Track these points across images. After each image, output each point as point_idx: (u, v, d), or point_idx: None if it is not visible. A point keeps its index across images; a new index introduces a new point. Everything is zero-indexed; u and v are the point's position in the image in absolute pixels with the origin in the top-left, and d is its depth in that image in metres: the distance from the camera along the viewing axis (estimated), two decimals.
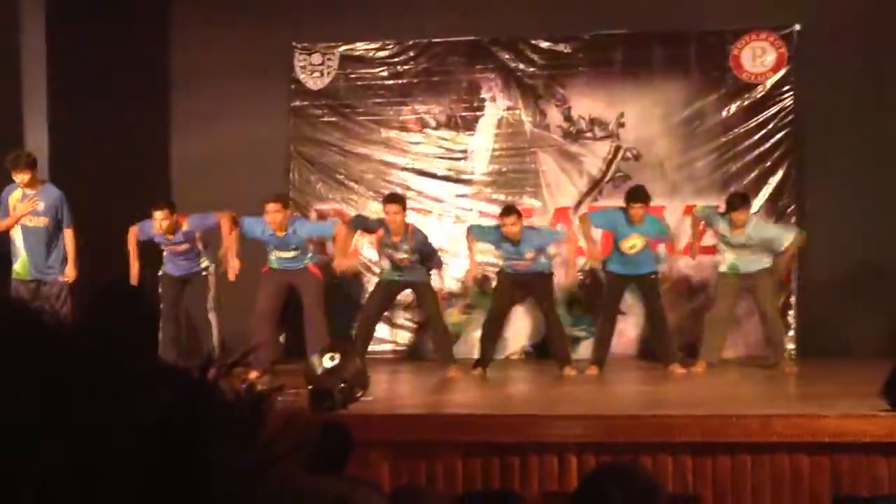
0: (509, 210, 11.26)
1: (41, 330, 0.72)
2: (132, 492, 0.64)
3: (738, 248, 11.03)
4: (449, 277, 12.44)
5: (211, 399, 0.73)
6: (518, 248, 11.07)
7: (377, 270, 12.16)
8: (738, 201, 11.16)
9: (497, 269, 11.52)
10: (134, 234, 11.06)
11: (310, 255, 11.17)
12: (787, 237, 11.09)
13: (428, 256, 11.24)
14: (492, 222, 11.76)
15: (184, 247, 11.13)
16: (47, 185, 10.83)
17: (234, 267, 10.73)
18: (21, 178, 10.60)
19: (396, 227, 11.04)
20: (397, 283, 11.23)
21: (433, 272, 11.32)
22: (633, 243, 11.11)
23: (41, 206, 10.71)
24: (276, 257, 11.05)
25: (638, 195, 11.17)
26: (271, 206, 10.90)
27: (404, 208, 11.19)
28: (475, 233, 11.44)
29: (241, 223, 10.96)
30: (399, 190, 12.30)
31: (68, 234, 10.80)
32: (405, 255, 11.07)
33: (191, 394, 0.72)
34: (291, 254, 11.04)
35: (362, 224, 11.45)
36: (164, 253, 11.21)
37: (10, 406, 0.65)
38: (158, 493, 0.65)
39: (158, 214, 10.94)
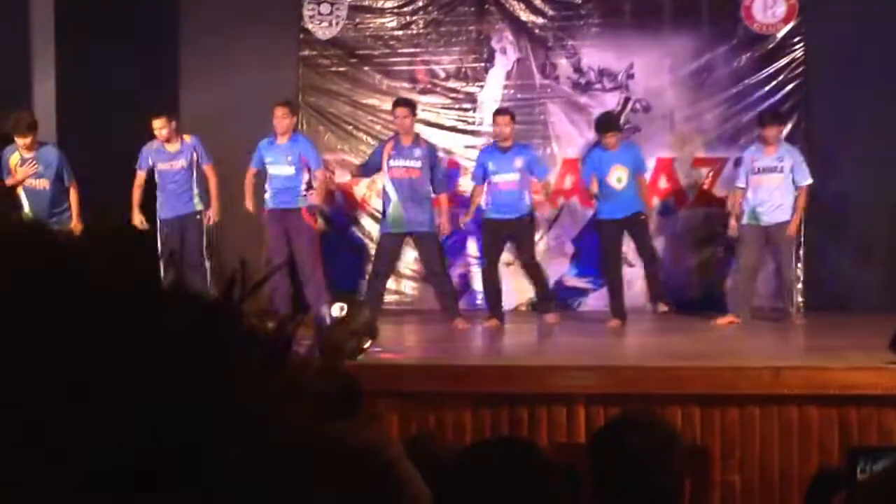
0: (503, 111, 11.57)
1: (57, 246, 0.71)
2: (148, 409, 0.62)
3: (764, 179, 10.95)
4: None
5: (234, 323, 0.71)
6: (507, 155, 11.18)
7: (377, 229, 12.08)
8: (771, 117, 11.23)
9: (483, 218, 11.45)
10: (140, 180, 11.11)
11: (303, 189, 11.08)
12: (807, 174, 11.08)
13: (435, 168, 11.29)
14: None
15: (181, 163, 11.19)
16: (45, 147, 10.84)
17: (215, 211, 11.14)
18: (21, 141, 10.63)
19: (406, 130, 11.20)
20: (397, 235, 11.20)
21: (440, 195, 11.33)
22: (619, 175, 11.14)
23: (40, 168, 10.76)
24: (272, 177, 11.05)
25: (608, 125, 11.39)
26: (279, 111, 11.04)
27: (414, 113, 11.37)
28: (474, 179, 11.48)
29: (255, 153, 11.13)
30: None
31: (73, 191, 10.86)
32: (417, 164, 11.10)
33: (213, 314, 0.71)
34: (288, 169, 11.03)
35: (367, 168, 11.52)
36: (159, 196, 11.24)
37: (25, 318, 0.64)
38: (175, 414, 0.63)
39: (157, 123, 11.08)
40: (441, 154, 12.10)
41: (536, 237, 12.51)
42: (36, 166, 10.74)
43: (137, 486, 0.61)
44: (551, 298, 11.59)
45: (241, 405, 0.65)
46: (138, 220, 11.05)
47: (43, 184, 10.81)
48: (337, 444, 0.71)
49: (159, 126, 11.09)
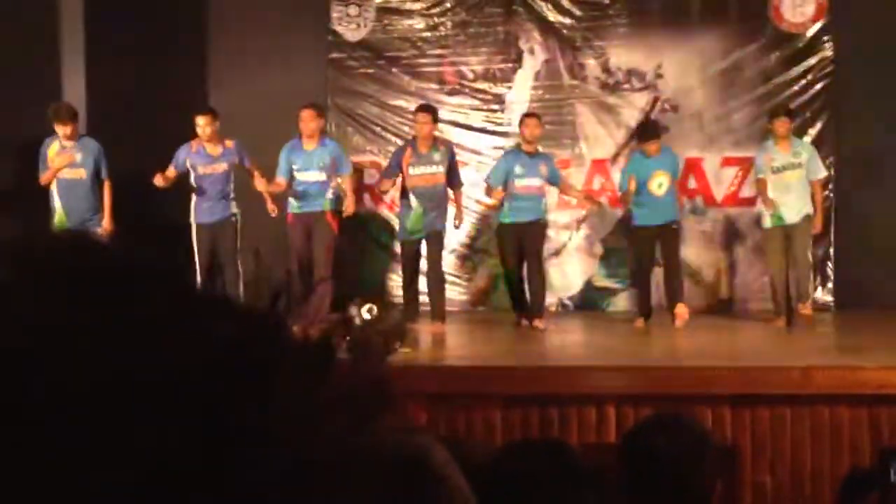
0: (533, 114, 11.55)
1: (101, 256, 0.71)
2: (191, 428, 0.63)
3: (785, 176, 10.90)
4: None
5: (278, 336, 0.71)
6: (534, 159, 11.16)
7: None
8: (781, 110, 11.22)
9: (499, 223, 11.37)
10: (169, 173, 10.89)
11: (330, 193, 10.98)
12: (823, 168, 11.06)
13: (453, 169, 11.22)
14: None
15: (222, 167, 11.01)
16: (85, 138, 10.85)
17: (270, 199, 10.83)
18: (62, 129, 10.62)
19: (424, 137, 11.06)
20: (417, 240, 11.10)
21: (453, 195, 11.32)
22: (660, 181, 11.10)
23: (78, 157, 10.73)
24: (300, 183, 10.93)
25: (650, 132, 11.39)
26: (306, 113, 10.88)
27: (435, 119, 11.21)
28: (493, 180, 11.34)
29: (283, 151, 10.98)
30: None
31: (107, 187, 10.83)
32: (436, 169, 11.04)
33: (257, 328, 0.71)
34: (316, 175, 10.92)
35: (390, 172, 11.40)
36: (194, 199, 11.09)
37: (72, 325, 0.65)
38: (219, 432, 0.63)
39: (201, 120, 10.86)
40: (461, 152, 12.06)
41: (565, 237, 12.53)
42: (73, 155, 10.71)
43: (183, 493, 0.62)
44: (543, 304, 11.33)
45: (288, 415, 0.66)
46: (160, 177, 10.70)
47: (80, 173, 10.74)
48: (383, 452, 0.71)
49: (203, 123, 10.87)
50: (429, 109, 11.32)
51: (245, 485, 0.62)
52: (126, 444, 0.61)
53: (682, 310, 10.96)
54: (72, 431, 0.61)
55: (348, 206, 10.92)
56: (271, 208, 10.84)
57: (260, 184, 10.71)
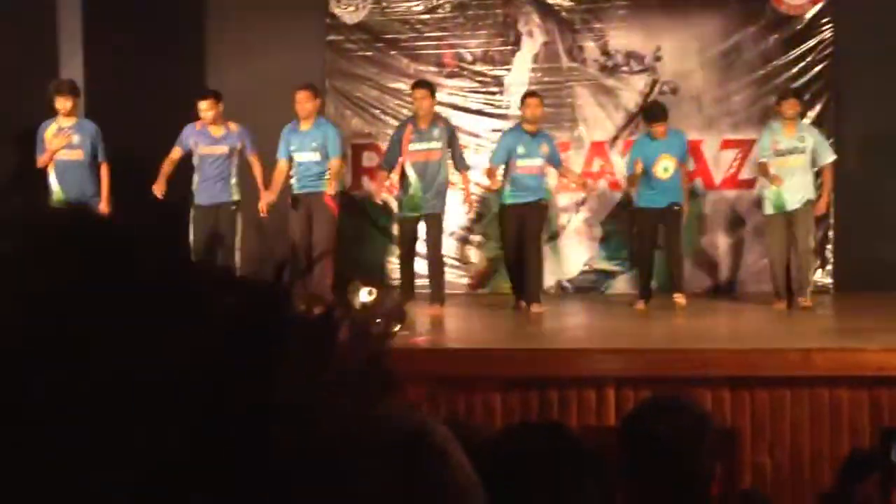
0: (534, 93, 11.49)
1: (101, 231, 0.70)
2: (191, 404, 0.62)
3: (789, 161, 10.88)
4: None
5: (285, 307, 0.70)
6: (535, 139, 11.12)
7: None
8: (790, 92, 11.19)
9: (501, 204, 11.34)
10: (174, 154, 10.99)
11: (327, 173, 10.99)
12: (831, 152, 11.02)
13: (454, 145, 11.17)
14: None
15: (222, 149, 11.05)
16: (83, 120, 10.84)
17: (267, 201, 10.79)
18: (63, 104, 10.61)
19: (424, 113, 11.03)
20: (415, 219, 11.06)
21: (459, 175, 11.28)
22: (666, 165, 11.08)
23: (76, 139, 10.72)
24: (298, 164, 10.97)
25: (657, 114, 11.29)
26: (300, 95, 10.91)
27: (432, 94, 11.17)
28: (495, 158, 11.33)
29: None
30: None
31: (104, 169, 10.82)
32: (437, 144, 11.00)
33: (261, 302, 0.69)
34: (312, 155, 10.94)
35: (389, 161, 11.33)
36: (195, 181, 11.11)
37: (77, 306, 0.64)
38: (220, 408, 0.62)
39: (203, 104, 10.94)
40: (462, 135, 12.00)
41: (565, 220, 12.52)
42: (70, 136, 10.70)
43: (189, 469, 0.61)
44: (540, 289, 11.30)
45: (293, 390, 0.65)
46: (160, 189, 10.72)
47: (77, 154, 10.72)
48: (386, 431, 0.71)
49: (205, 107, 10.95)
50: (425, 85, 11.29)
51: (247, 461, 0.62)
52: (127, 439, 0.60)
53: (680, 300, 10.95)
54: (72, 428, 0.61)
55: (330, 188, 10.92)
56: (262, 207, 10.84)
57: (264, 197, 10.82)
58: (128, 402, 0.61)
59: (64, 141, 10.67)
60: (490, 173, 11.26)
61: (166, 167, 10.88)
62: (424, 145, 11.01)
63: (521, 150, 11.08)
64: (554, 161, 11.41)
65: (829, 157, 10.99)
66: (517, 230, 11.10)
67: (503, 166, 11.14)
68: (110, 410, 0.61)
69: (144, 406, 0.61)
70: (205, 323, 0.65)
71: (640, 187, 11.19)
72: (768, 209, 11.01)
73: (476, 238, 13.08)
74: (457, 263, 12.89)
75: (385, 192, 11.59)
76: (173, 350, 0.63)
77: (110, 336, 0.62)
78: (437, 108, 11.68)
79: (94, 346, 0.62)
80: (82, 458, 0.60)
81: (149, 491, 0.60)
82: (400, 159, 11.15)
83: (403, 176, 11.10)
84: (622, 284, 12.68)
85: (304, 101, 10.91)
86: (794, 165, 10.87)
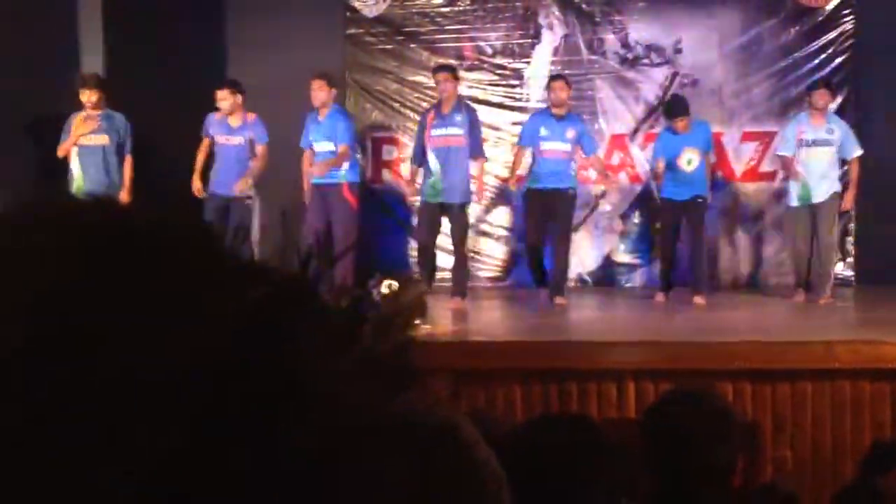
0: (559, 76, 11.41)
1: (125, 221, 0.70)
2: (207, 397, 0.62)
3: (817, 153, 10.84)
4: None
5: (310, 298, 0.71)
6: (561, 123, 11.00)
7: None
8: (821, 83, 11.14)
9: (525, 189, 11.24)
10: (205, 145, 11.10)
11: (346, 166, 10.99)
12: (858, 146, 10.97)
13: (473, 131, 10.96)
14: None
15: (238, 140, 11.08)
16: (113, 112, 10.84)
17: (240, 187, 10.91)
18: (88, 96, 10.63)
19: (448, 97, 10.94)
20: (438, 204, 10.86)
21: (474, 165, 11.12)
22: (690, 158, 11.03)
23: (103, 125, 10.72)
24: (317, 154, 10.97)
25: (679, 109, 11.18)
26: (315, 83, 10.93)
27: (455, 77, 11.13)
28: (521, 142, 11.31)
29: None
30: None
31: (128, 161, 10.84)
32: (459, 130, 10.85)
33: (286, 293, 0.69)
34: (327, 145, 10.93)
35: (416, 153, 11.24)
36: (214, 169, 11.13)
37: (99, 297, 0.64)
38: (220, 408, 0.62)
39: (220, 94, 11.01)
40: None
41: (584, 213, 12.50)
42: (96, 122, 10.71)
43: (192, 468, 0.61)
44: (565, 281, 11.24)
45: (317, 381, 0.65)
46: (197, 186, 10.90)
47: (102, 140, 10.73)
48: (411, 422, 0.71)
49: (221, 98, 11.01)
50: (448, 69, 11.21)
51: (271, 452, 0.62)
52: (131, 437, 0.60)
53: (700, 301, 10.86)
54: (80, 422, 0.61)
55: (316, 168, 10.94)
56: (240, 188, 10.93)
57: (246, 179, 10.95)
58: (131, 401, 0.61)
59: (89, 127, 10.67)
60: (516, 156, 11.28)
61: (199, 160, 10.99)
62: (445, 130, 10.86)
63: (544, 132, 10.99)
64: (585, 146, 11.24)
65: (855, 152, 10.95)
66: (539, 217, 10.99)
67: (530, 150, 11.11)
68: (115, 409, 0.61)
69: (146, 405, 0.61)
70: (210, 322, 0.65)
71: (665, 179, 11.15)
72: (794, 201, 10.96)
73: (496, 231, 13.06)
74: (477, 256, 12.86)
75: (411, 192, 11.49)
76: (175, 350, 0.63)
77: (115, 336, 0.62)
78: None
79: (99, 345, 0.62)
80: (89, 455, 0.60)
81: (154, 488, 0.60)
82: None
83: (426, 161, 11.00)
84: (641, 278, 12.66)
85: (317, 90, 10.94)
86: (822, 157, 10.83)
